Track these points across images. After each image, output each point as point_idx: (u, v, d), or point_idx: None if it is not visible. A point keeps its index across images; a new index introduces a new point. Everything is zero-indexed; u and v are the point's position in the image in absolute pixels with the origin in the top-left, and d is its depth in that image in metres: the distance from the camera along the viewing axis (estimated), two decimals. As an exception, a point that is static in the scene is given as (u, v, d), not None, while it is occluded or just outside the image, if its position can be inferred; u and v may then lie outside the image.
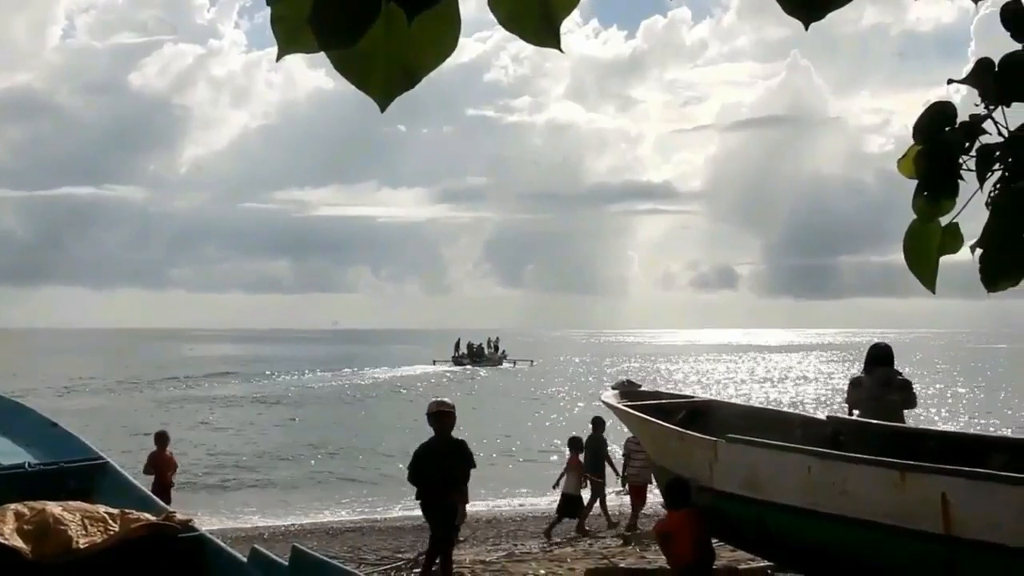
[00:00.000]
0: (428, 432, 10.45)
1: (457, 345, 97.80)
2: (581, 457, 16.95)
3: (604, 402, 12.06)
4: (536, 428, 42.68)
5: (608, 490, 17.50)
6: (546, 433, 40.36)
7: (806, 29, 1.86)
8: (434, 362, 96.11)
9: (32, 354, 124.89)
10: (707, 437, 8.93)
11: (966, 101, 2.26)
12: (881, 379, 10.15)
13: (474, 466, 10.32)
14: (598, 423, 16.96)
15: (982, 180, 2.17)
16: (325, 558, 5.29)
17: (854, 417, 10.05)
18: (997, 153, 2.15)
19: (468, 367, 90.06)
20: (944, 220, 2.27)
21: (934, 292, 2.31)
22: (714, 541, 9.42)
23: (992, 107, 2.17)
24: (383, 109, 1.81)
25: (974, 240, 2.22)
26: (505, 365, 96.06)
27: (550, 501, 24.10)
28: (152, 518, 5.32)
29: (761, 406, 17.33)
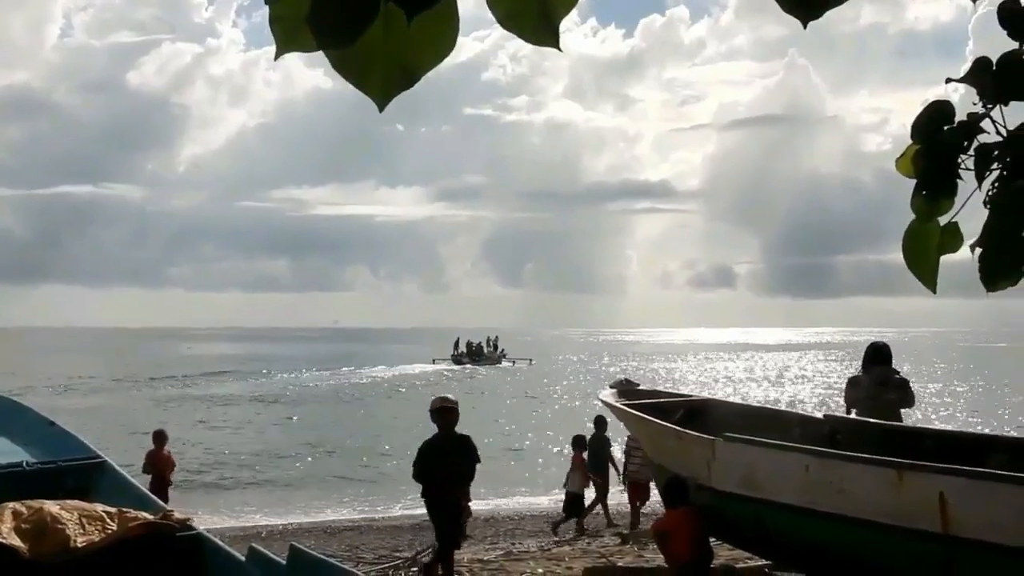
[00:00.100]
0: (427, 431, 10.43)
1: (456, 344, 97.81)
2: (585, 455, 16.95)
3: (602, 401, 12.06)
4: (535, 427, 42.64)
5: (612, 489, 17.46)
6: (545, 432, 40.32)
7: (804, 28, 1.86)
8: (434, 361, 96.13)
9: (30, 353, 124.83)
10: (705, 436, 8.93)
11: (964, 100, 2.26)
12: (879, 378, 10.15)
13: (479, 461, 10.25)
14: (600, 422, 16.95)
15: (980, 179, 2.17)
16: (323, 557, 5.29)
17: (852, 416, 10.05)
18: (995, 152, 2.15)
19: (468, 366, 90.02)
20: (943, 219, 2.27)
21: (935, 292, 2.31)
22: (712, 540, 9.42)
23: (990, 106, 2.17)
24: (382, 109, 1.80)
25: (973, 239, 2.22)
26: (504, 364, 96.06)
27: (550, 500, 24.19)
28: (150, 517, 5.32)
29: (759, 405, 17.35)
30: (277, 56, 1.78)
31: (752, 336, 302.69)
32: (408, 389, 68.17)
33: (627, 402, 11.34)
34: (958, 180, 2.22)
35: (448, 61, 1.81)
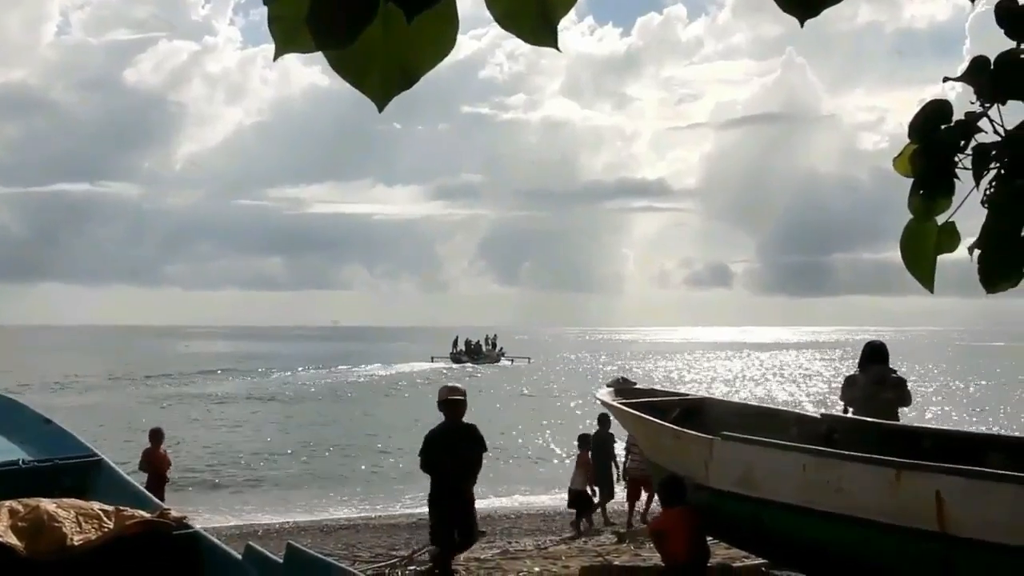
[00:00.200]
0: (425, 430, 10.41)
1: (455, 342, 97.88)
2: (590, 454, 16.99)
3: (599, 400, 12.06)
4: (533, 426, 42.65)
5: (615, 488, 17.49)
6: (543, 431, 40.39)
7: (801, 26, 1.86)
8: (432, 359, 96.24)
9: (26, 351, 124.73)
10: (702, 435, 8.93)
11: (961, 99, 2.26)
12: (876, 377, 10.16)
13: (486, 449, 10.19)
14: (604, 419, 16.95)
15: (978, 179, 2.17)
16: (320, 555, 5.28)
17: (849, 415, 10.06)
18: (993, 152, 2.15)
19: (468, 365, 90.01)
20: (940, 219, 2.27)
21: (932, 292, 2.31)
22: (709, 539, 9.42)
23: (988, 105, 2.17)
24: (381, 109, 1.80)
25: (971, 238, 2.22)
26: (503, 362, 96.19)
27: (548, 499, 24.21)
28: (147, 515, 5.31)
29: (756, 404, 17.36)
30: (276, 57, 1.77)
31: (749, 335, 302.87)
32: (407, 388, 68.21)
33: (624, 401, 11.33)
34: (955, 180, 2.22)
35: (445, 59, 1.81)
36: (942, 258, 2.29)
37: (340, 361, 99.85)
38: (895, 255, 2.29)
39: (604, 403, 11.72)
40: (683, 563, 8.95)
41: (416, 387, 68.13)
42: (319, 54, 1.72)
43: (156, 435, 16.21)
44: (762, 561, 9.36)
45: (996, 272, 2.18)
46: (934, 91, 2.46)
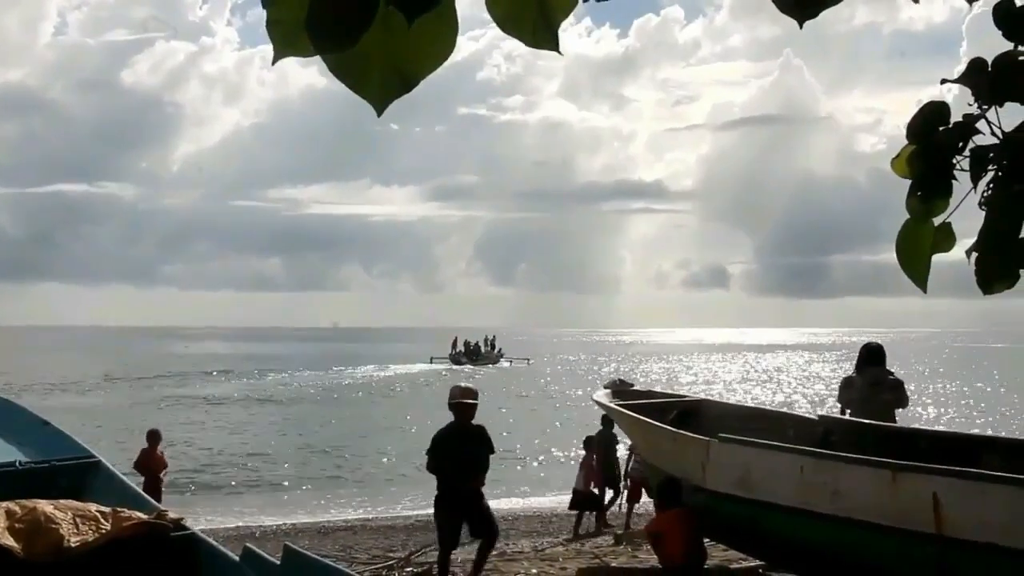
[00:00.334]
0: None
1: (455, 343, 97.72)
2: (594, 457, 17.02)
3: (596, 401, 12.06)
4: (532, 427, 42.61)
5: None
6: (542, 432, 40.37)
7: (800, 28, 1.86)
8: (432, 360, 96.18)
9: (23, 352, 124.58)
10: (700, 437, 8.93)
11: (958, 101, 2.26)
12: (873, 379, 10.15)
13: (493, 451, 10.10)
14: (608, 420, 16.94)
15: (976, 181, 2.17)
16: (317, 557, 5.28)
17: (846, 417, 10.05)
18: (991, 154, 2.15)
19: (467, 366, 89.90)
20: (937, 220, 2.27)
21: (925, 292, 2.31)
22: (706, 541, 9.42)
23: (985, 107, 2.17)
24: (380, 113, 1.79)
25: (967, 239, 2.22)
26: (502, 363, 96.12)
27: (546, 501, 24.22)
28: (144, 517, 5.31)
29: (753, 406, 17.37)
30: (275, 61, 1.76)
31: (746, 336, 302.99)
32: (406, 389, 68.21)
33: (621, 402, 11.34)
34: (953, 181, 2.22)
35: (443, 60, 1.80)
36: (939, 260, 2.29)
37: (339, 362, 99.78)
38: (892, 257, 2.30)
39: (601, 405, 11.72)
40: (680, 565, 8.95)
41: (415, 389, 68.14)
42: (317, 56, 1.71)
43: (153, 436, 16.20)
44: (759, 563, 9.36)
45: (993, 273, 2.18)
46: (932, 93, 2.47)
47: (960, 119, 2.21)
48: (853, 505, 7.16)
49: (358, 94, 1.76)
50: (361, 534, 19.31)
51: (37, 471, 6.20)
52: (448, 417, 10.11)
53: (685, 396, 13.59)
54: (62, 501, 5.29)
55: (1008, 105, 2.16)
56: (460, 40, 1.76)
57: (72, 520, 5.06)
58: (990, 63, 2.17)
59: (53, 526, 4.97)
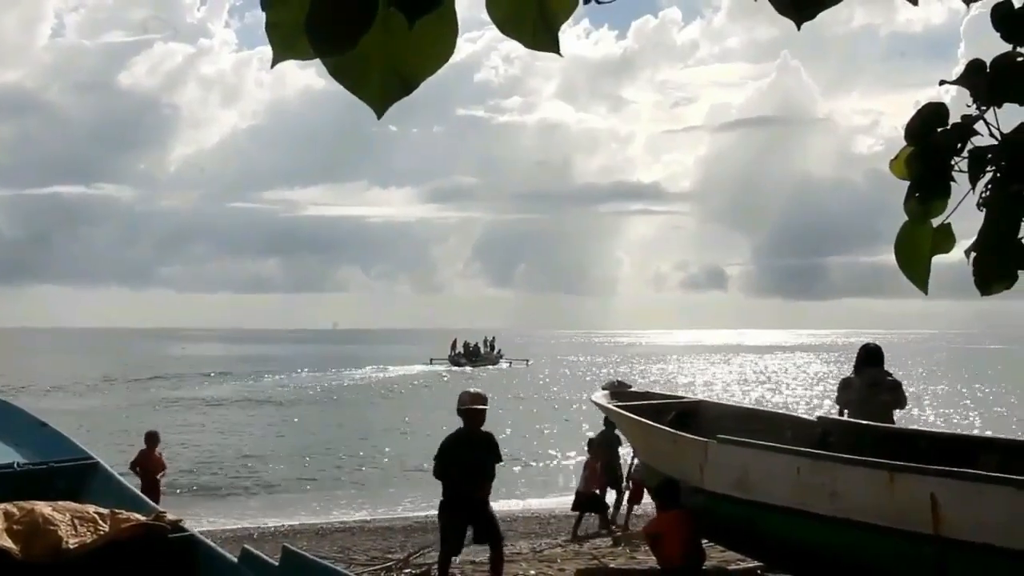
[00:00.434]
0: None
1: (454, 344, 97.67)
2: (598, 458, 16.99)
3: (594, 402, 12.06)
4: (531, 428, 42.57)
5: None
6: (541, 433, 40.34)
7: (798, 29, 1.87)
8: (431, 361, 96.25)
9: (20, 354, 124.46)
10: (698, 438, 8.94)
11: (956, 102, 2.26)
12: (871, 380, 10.16)
13: (500, 460, 9.91)
14: (610, 420, 16.92)
15: (974, 182, 2.17)
16: (315, 558, 5.28)
17: (844, 418, 10.06)
18: (989, 155, 2.15)
19: (467, 367, 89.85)
20: (936, 221, 2.27)
21: (926, 293, 2.32)
22: (704, 542, 9.43)
23: (984, 108, 2.17)
24: (380, 116, 1.78)
25: (965, 241, 2.22)
26: (502, 364, 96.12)
27: (546, 501, 24.20)
28: (142, 518, 5.30)
29: (751, 407, 17.36)
30: (274, 64, 1.75)
31: (744, 338, 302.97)
32: (405, 391, 68.20)
33: (619, 403, 11.35)
34: (951, 182, 2.22)
35: (440, 61, 1.80)
36: (937, 262, 2.29)
37: (337, 364, 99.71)
38: (890, 258, 2.30)
39: (600, 406, 11.72)
40: (678, 566, 8.96)
41: (414, 390, 68.14)
42: (316, 58, 1.71)
43: (151, 438, 16.21)
44: (757, 564, 9.37)
45: (991, 274, 2.18)
46: (929, 94, 2.47)
47: (958, 120, 2.21)
48: (851, 506, 7.17)
49: (358, 96, 1.76)
50: (359, 535, 19.29)
51: (35, 472, 6.20)
52: (451, 421, 10.06)
53: (683, 397, 13.60)
54: (60, 503, 5.28)
55: (1007, 106, 2.16)
56: (458, 41, 1.76)
57: (70, 521, 5.05)
58: (988, 64, 2.17)
59: (51, 528, 4.96)
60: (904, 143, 2.31)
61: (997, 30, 2.15)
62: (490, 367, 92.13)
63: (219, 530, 19.37)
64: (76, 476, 6.27)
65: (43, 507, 5.10)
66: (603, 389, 13.91)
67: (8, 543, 4.80)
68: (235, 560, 5.18)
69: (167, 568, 5.26)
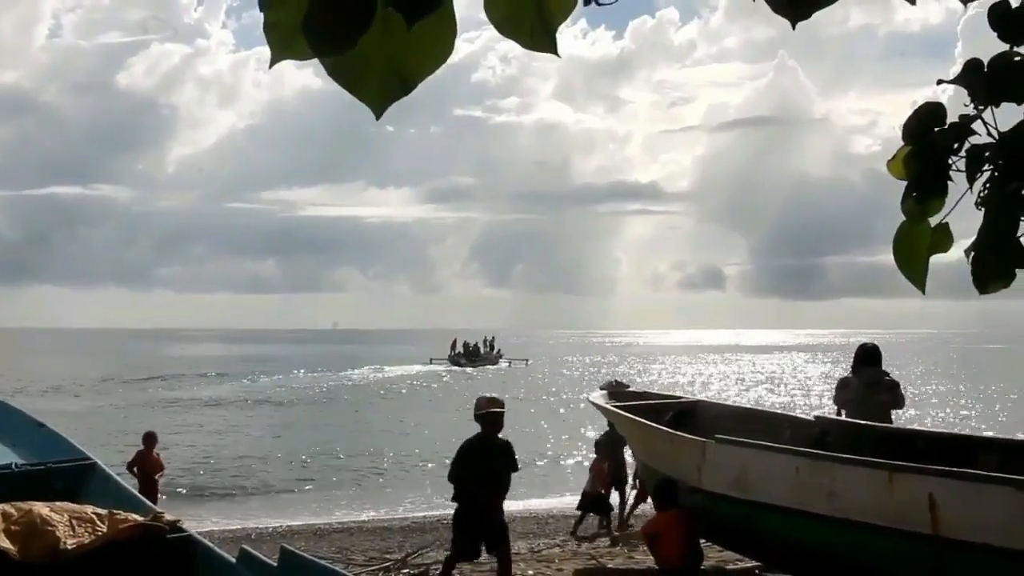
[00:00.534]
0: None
1: (454, 344, 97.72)
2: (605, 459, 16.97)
3: (592, 402, 12.06)
4: (530, 428, 42.47)
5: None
6: (539, 433, 40.26)
7: (793, 28, 1.87)
8: (431, 360, 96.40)
9: (18, 354, 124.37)
10: (696, 438, 8.94)
11: (953, 102, 2.26)
12: (868, 380, 10.16)
13: (517, 469, 9.61)
14: None
15: (972, 181, 2.17)
16: (313, 558, 5.28)
17: (842, 418, 10.06)
18: (987, 154, 2.16)
19: (468, 368, 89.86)
20: (933, 221, 2.27)
21: (924, 292, 2.32)
22: (702, 541, 9.43)
23: (982, 108, 2.17)
24: (378, 116, 1.78)
25: (964, 240, 2.22)
26: (501, 364, 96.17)
27: (544, 501, 24.19)
28: (140, 519, 5.30)
29: (749, 407, 17.36)
30: (272, 64, 1.75)
31: (742, 338, 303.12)
32: (404, 391, 68.20)
33: (617, 404, 11.35)
34: (949, 182, 2.23)
35: (438, 61, 1.80)
36: (935, 262, 2.29)
37: (336, 364, 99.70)
38: (888, 258, 2.30)
39: (597, 406, 11.72)
40: (677, 566, 8.96)
41: (413, 390, 68.16)
42: (314, 58, 1.70)
43: (149, 438, 16.20)
44: (755, 564, 9.37)
45: (989, 273, 2.18)
46: (926, 94, 2.48)
47: (956, 120, 2.21)
48: (849, 506, 7.17)
49: (356, 97, 1.76)
50: (358, 536, 19.28)
51: (33, 473, 6.19)
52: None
53: (681, 397, 13.59)
54: (58, 503, 5.28)
55: (1004, 105, 2.16)
56: (456, 41, 1.76)
57: (68, 522, 5.05)
58: (986, 64, 2.17)
59: (49, 528, 4.96)
60: (902, 143, 2.31)
61: (994, 29, 2.16)
62: (490, 367, 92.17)
63: (217, 530, 19.37)
64: (74, 477, 6.27)
65: (41, 508, 5.10)
66: (601, 389, 13.91)
67: (6, 544, 4.80)
68: (233, 560, 5.18)
69: (165, 568, 5.26)
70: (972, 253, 2.21)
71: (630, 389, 14.32)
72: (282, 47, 1.71)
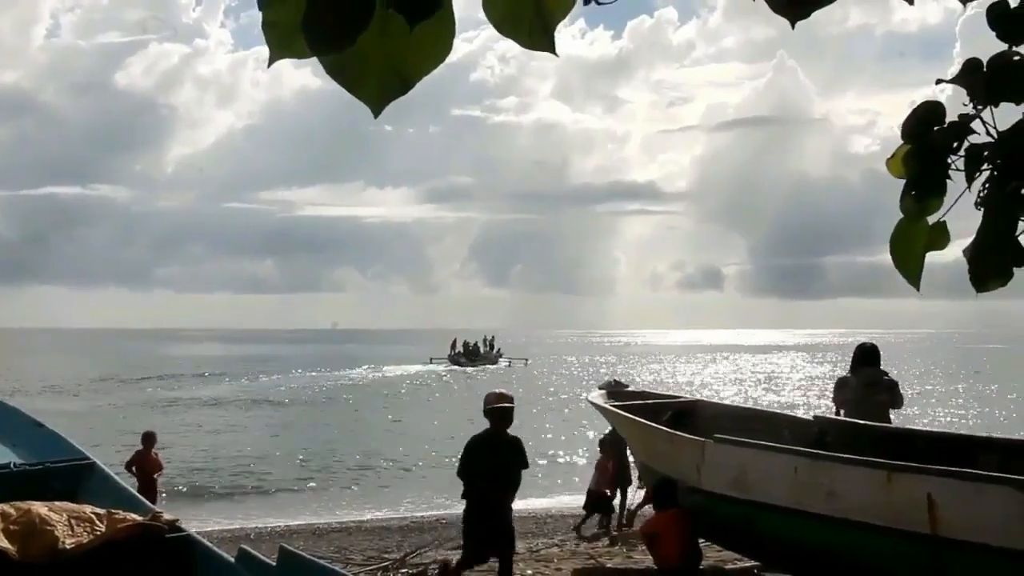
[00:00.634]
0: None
1: (454, 344, 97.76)
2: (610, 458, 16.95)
3: (591, 402, 12.06)
4: (529, 427, 42.41)
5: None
6: (539, 433, 40.24)
7: (792, 27, 1.87)
8: (431, 360, 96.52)
9: (17, 354, 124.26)
10: (695, 438, 8.94)
11: (952, 101, 2.27)
12: (867, 379, 10.16)
13: (527, 466, 9.34)
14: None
15: (970, 180, 2.17)
16: (312, 558, 5.28)
17: (841, 417, 10.06)
18: (986, 153, 2.16)
19: (468, 368, 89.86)
20: (932, 220, 2.27)
21: (919, 290, 2.31)
22: (701, 541, 9.43)
23: (980, 107, 2.17)
24: (377, 115, 1.78)
25: (962, 239, 2.22)
26: (501, 364, 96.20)
27: (542, 501, 24.18)
28: (139, 518, 5.30)
29: (748, 407, 17.38)
30: (271, 63, 1.75)
31: (741, 337, 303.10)
32: (405, 390, 68.22)
33: (616, 403, 11.35)
34: (948, 181, 2.23)
35: (436, 61, 1.80)
36: (933, 262, 2.29)
37: (335, 364, 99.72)
38: (887, 258, 2.30)
39: (596, 406, 11.72)
40: (675, 566, 8.97)
41: (413, 390, 68.16)
42: (313, 57, 1.71)
43: (148, 438, 16.20)
44: (754, 563, 9.37)
45: (987, 272, 2.18)
46: (925, 93, 2.48)
47: (955, 119, 2.21)
48: (848, 506, 7.18)
49: (355, 95, 1.76)
50: (356, 535, 19.29)
51: (31, 473, 6.19)
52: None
53: (680, 397, 13.60)
54: (57, 503, 5.28)
55: (1003, 105, 2.16)
56: (454, 41, 1.76)
57: (67, 522, 5.05)
58: (985, 63, 2.17)
59: (48, 528, 4.96)
60: (901, 142, 2.31)
61: (993, 29, 2.16)
62: (489, 366, 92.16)
63: (216, 530, 19.37)
64: (73, 476, 6.27)
65: (40, 507, 5.10)
66: (600, 389, 13.92)
67: (5, 543, 4.80)
68: (232, 560, 5.18)
69: (164, 568, 5.26)
70: (970, 253, 2.21)
71: (629, 389, 14.33)
72: (281, 46, 1.71)
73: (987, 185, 2.17)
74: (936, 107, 2.24)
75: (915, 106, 2.27)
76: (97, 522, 5.13)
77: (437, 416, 42.96)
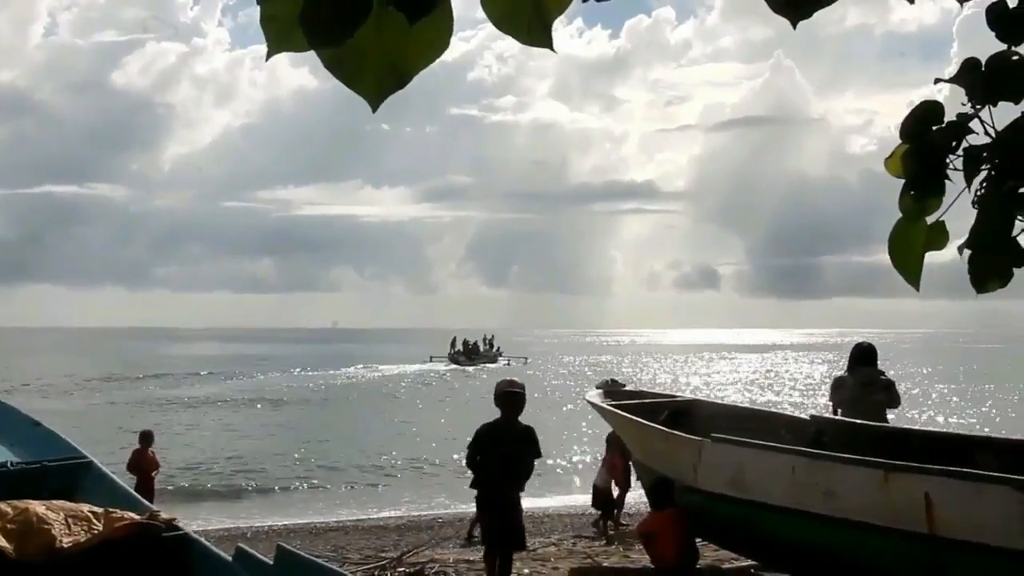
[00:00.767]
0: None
1: (453, 343, 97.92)
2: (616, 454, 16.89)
3: (588, 401, 12.06)
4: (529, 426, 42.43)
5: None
6: (539, 431, 40.20)
7: (794, 28, 1.86)
8: (431, 358, 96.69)
9: (14, 353, 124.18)
10: (692, 437, 8.94)
11: (951, 100, 2.26)
12: (864, 379, 10.17)
13: (539, 455, 9.03)
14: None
15: (969, 180, 2.17)
16: (310, 557, 5.27)
17: (838, 417, 10.07)
18: (984, 153, 2.15)
19: (468, 367, 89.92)
20: (930, 219, 2.27)
21: (918, 289, 2.31)
22: (698, 541, 9.43)
23: (979, 107, 2.17)
24: (375, 109, 1.79)
25: (960, 239, 2.22)
26: (500, 362, 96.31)
27: (540, 500, 24.17)
28: (136, 517, 5.29)
29: (745, 406, 17.37)
30: (268, 57, 1.75)
31: (738, 337, 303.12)
32: (404, 389, 68.20)
33: (613, 402, 11.34)
34: (946, 180, 2.22)
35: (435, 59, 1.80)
36: (931, 262, 2.29)
37: (334, 363, 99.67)
38: (884, 258, 2.30)
39: (593, 405, 11.72)
40: (672, 565, 8.97)
41: (411, 389, 68.15)
42: (308, 54, 1.71)
43: (146, 437, 16.20)
44: (751, 563, 9.37)
45: (987, 272, 2.18)
46: (923, 93, 2.47)
47: (953, 119, 2.21)
48: (846, 505, 7.18)
49: (353, 90, 1.76)
50: (353, 534, 19.28)
51: (28, 472, 6.18)
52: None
53: (677, 396, 13.60)
54: (54, 502, 5.27)
55: (1001, 105, 2.16)
56: (452, 40, 1.76)
57: (64, 521, 5.04)
58: (984, 63, 2.17)
59: (45, 527, 4.95)
60: (898, 142, 2.31)
61: (992, 29, 2.15)
62: (489, 365, 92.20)
63: (213, 529, 19.36)
64: (70, 475, 6.26)
65: (37, 506, 5.09)
66: (597, 388, 13.92)
67: (2, 542, 4.79)
68: (229, 559, 5.17)
69: (161, 567, 5.25)
70: (967, 252, 2.21)
71: (626, 388, 14.33)
72: (279, 40, 1.72)
73: (984, 184, 2.16)
74: (935, 107, 2.24)
75: (913, 106, 2.27)
76: (94, 521, 5.12)
77: (438, 415, 42.90)
